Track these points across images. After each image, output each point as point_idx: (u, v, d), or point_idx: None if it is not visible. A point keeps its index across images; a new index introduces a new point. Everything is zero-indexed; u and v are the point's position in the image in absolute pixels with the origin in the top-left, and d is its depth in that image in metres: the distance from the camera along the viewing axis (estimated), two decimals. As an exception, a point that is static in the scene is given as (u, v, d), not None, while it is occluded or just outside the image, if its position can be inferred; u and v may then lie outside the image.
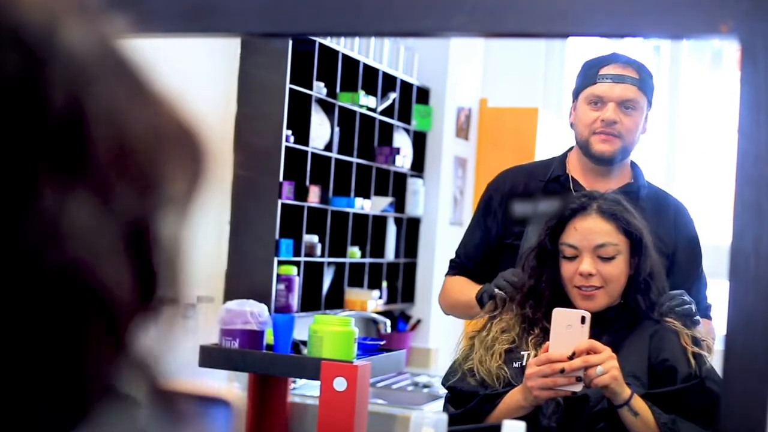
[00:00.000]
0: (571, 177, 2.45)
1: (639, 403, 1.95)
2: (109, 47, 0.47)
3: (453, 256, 2.64)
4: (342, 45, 4.12)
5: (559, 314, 1.95)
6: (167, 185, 0.48)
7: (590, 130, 2.39)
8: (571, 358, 1.91)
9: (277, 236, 3.67)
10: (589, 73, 2.43)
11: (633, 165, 2.48)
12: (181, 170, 0.49)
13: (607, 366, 1.90)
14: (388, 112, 4.57)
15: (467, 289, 2.43)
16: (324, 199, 4.03)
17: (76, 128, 0.44)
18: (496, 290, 2.26)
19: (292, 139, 3.75)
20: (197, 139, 0.50)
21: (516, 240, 2.41)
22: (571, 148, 2.52)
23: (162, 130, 0.48)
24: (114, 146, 0.45)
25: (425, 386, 4.12)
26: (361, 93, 4.22)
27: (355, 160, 4.27)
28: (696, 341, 2.06)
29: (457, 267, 2.59)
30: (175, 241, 0.49)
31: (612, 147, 2.38)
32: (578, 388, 1.92)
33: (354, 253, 4.33)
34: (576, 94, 2.47)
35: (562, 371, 1.90)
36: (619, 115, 2.37)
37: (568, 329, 1.93)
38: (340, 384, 2.36)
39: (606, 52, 2.48)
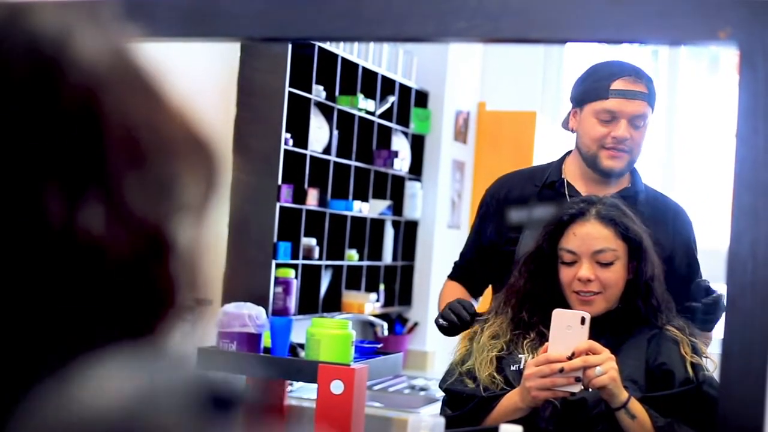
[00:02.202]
0: (567, 182, 2.45)
1: (636, 406, 1.95)
2: (122, 55, 0.48)
3: (451, 262, 2.67)
4: (341, 49, 4.12)
5: (558, 315, 1.96)
6: (185, 191, 0.48)
7: (599, 145, 2.37)
8: (570, 358, 1.91)
9: (275, 239, 3.67)
10: (599, 86, 2.38)
11: (631, 169, 2.48)
12: (197, 176, 0.49)
13: (606, 367, 1.91)
14: (386, 115, 4.58)
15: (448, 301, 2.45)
16: (322, 202, 4.03)
17: (92, 135, 0.45)
18: (440, 320, 2.32)
19: (290, 142, 3.75)
20: (210, 145, 0.51)
21: (511, 246, 2.41)
22: (569, 153, 2.51)
23: (177, 136, 0.49)
24: (131, 153, 0.46)
25: (422, 389, 4.12)
26: (360, 96, 4.23)
27: (353, 163, 4.28)
28: (696, 350, 2.06)
29: (456, 270, 2.63)
30: (195, 243, 0.50)
31: (621, 163, 2.38)
32: (577, 388, 1.92)
33: (352, 256, 4.34)
34: (581, 103, 2.43)
35: (561, 371, 1.91)
36: (630, 131, 2.36)
37: (568, 330, 1.93)
38: (337, 387, 2.36)
39: (610, 58, 2.46)
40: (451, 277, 2.64)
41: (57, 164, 0.44)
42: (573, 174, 2.46)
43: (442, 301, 2.58)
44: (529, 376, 1.94)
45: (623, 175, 2.43)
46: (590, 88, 2.40)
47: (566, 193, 2.42)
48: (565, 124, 2.51)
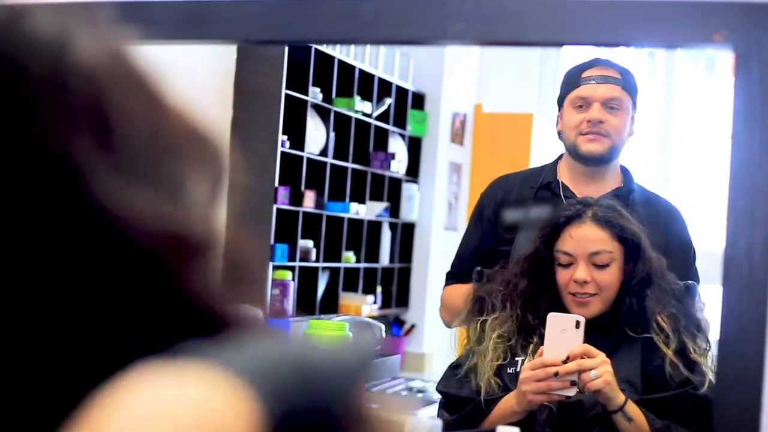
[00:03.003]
0: (562, 183, 2.46)
1: (633, 409, 1.95)
2: (119, 57, 0.48)
3: (449, 264, 2.64)
4: (338, 51, 4.13)
5: (553, 319, 1.96)
6: (194, 188, 0.49)
7: (577, 132, 2.40)
8: (565, 362, 1.91)
9: (272, 241, 3.67)
10: (572, 79, 2.45)
11: (623, 169, 2.49)
12: (204, 173, 0.50)
13: (601, 370, 1.91)
14: (383, 117, 4.58)
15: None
16: (319, 204, 4.03)
17: (88, 136, 0.45)
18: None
19: (287, 144, 3.75)
20: (214, 143, 0.51)
21: (507, 245, 2.41)
22: (562, 156, 2.53)
23: (181, 135, 0.49)
24: (127, 155, 0.46)
25: (419, 391, 4.12)
26: (357, 98, 4.23)
27: (350, 165, 4.28)
28: (694, 352, 2.06)
29: (454, 277, 2.57)
30: (207, 240, 0.50)
31: (600, 146, 2.39)
32: (572, 392, 1.92)
33: (349, 258, 4.34)
34: (560, 101, 2.48)
35: (556, 375, 1.91)
36: (604, 115, 2.38)
37: (563, 333, 1.93)
38: (334, 389, 2.35)
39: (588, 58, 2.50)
40: (450, 284, 2.58)
41: (52, 166, 0.44)
42: (566, 174, 2.48)
43: (454, 304, 2.52)
44: (525, 380, 1.94)
45: (607, 162, 2.43)
46: (565, 84, 2.47)
47: (561, 194, 2.43)
48: (556, 131, 2.53)
